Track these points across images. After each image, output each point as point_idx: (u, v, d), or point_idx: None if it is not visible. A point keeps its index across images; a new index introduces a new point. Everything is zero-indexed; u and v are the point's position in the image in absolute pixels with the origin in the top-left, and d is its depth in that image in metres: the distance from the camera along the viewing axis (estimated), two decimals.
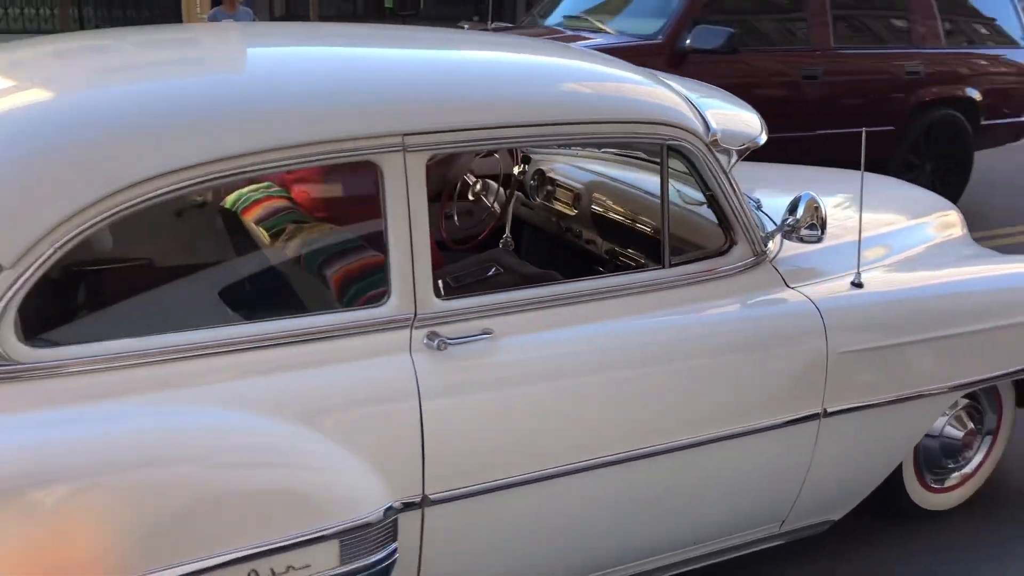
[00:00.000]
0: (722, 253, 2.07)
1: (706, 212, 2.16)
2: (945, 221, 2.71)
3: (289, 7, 14.85)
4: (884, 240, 2.41)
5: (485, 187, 2.65)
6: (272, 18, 12.92)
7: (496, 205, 2.82)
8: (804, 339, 2.08)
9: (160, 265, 2.26)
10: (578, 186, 2.74)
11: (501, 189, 2.84)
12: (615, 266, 2.47)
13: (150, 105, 1.69)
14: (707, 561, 2.20)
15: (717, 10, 4.85)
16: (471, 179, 2.80)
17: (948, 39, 5.57)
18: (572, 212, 2.74)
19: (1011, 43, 5.85)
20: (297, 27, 2.62)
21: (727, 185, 2.04)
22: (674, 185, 2.23)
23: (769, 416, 2.05)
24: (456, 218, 2.75)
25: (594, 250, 2.61)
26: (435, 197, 2.46)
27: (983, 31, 5.87)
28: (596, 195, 2.66)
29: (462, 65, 2.09)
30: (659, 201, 2.04)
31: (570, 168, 2.81)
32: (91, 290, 1.97)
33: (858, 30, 5.37)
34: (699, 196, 2.16)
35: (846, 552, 2.48)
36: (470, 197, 2.64)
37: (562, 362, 1.88)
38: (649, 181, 2.53)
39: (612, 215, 2.62)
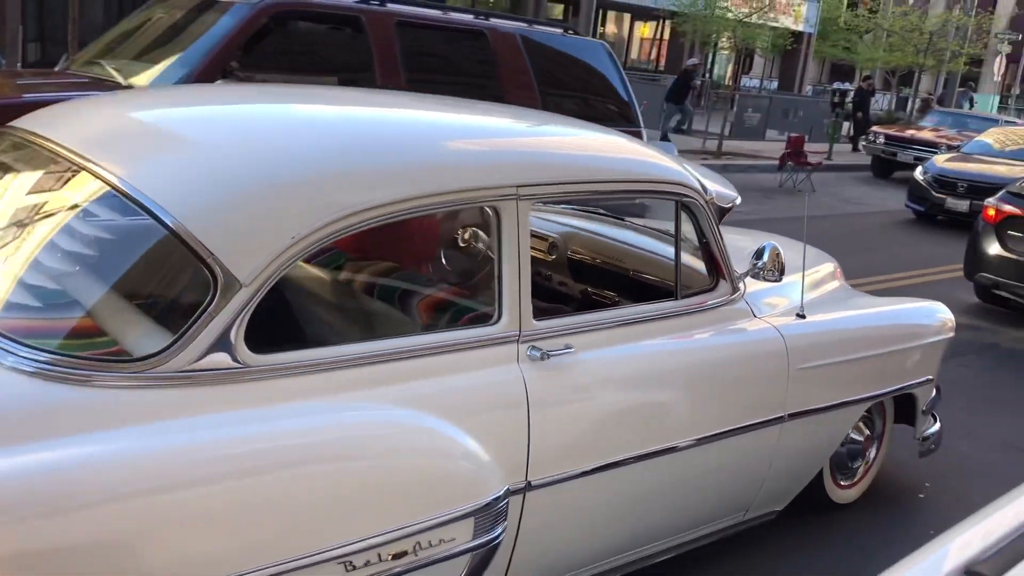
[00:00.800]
0: (710, 289, 2.72)
1: (685, 258, 2.80)
2: (830, 271, 3.61)
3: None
4: (795, 285, 3.20)
5: (474, 235, 3.10)
6: None
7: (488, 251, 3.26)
8: (772, 357, 2.77)
9: (347, 285, 2.51)
10: (553, 235, 3.29)
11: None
12: (589, 304, 3.00)
13: (351, 152, 2.09)
14: (686, 548, 2.74)
15: (256, 62, 4.19)
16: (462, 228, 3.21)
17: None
18: (549, 258, 3.27)
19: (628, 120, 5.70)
20: (414, 97, 3.08)
21: (717, 235, 2.72)
22: (650, 237, 2.89)
23: (751, 417, 2.69)
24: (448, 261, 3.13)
25: (565, 291, 3.14)
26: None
27: (606, 108, 5.81)
28: (572, 244, 3.23)
29: (555, 134, 2.70)
30: (632, 248, 2.65)
31: (540, 222, 3.34)
32: (296, 304, 2.18)
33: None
34: (667, 246, 2.83)
35: (776, 543, 3.14)
36: (460, 244, 3.05)
37: (623, 372, 2.39)
38: (613, 232, 3.16)
39: (590, 260, 3.19)
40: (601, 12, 25.19)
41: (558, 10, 24.50)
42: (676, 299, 2.62)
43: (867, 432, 3.43)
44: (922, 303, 3.49)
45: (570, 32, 6.09)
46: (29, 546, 1.49)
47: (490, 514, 2.02)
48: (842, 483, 3.42)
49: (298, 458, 1.79)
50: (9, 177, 2.26)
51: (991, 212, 6.46)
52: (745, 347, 2.72)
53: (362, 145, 2.17)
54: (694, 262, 2.78)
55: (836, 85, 30.13)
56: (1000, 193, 6.71)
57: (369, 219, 1.96)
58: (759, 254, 2.83)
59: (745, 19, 21.77)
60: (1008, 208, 6.34)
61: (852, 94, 23.26)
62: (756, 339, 2.75)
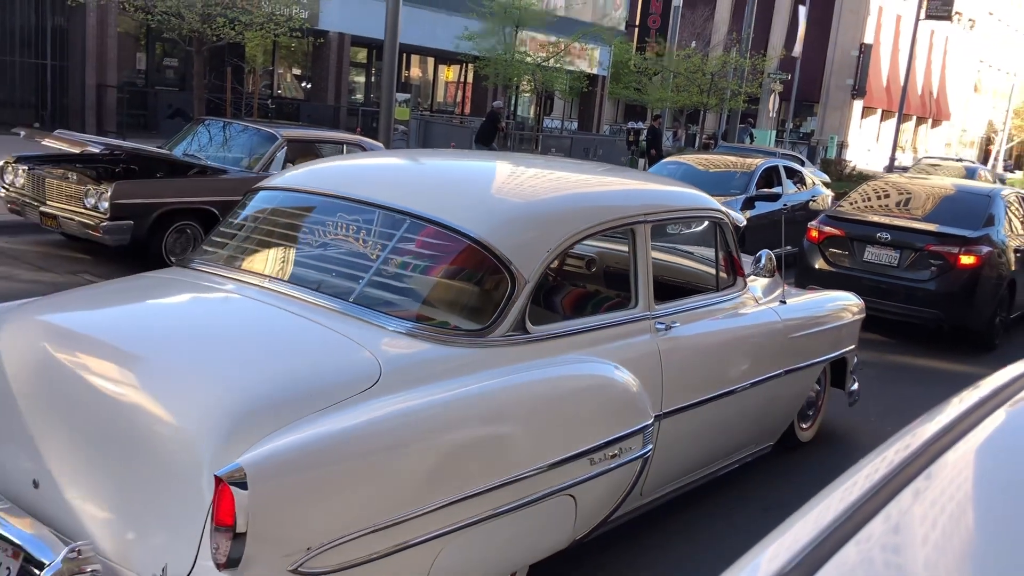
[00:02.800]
0: (732, 284, 4.31)
1: (704, 263, 4.39)
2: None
3: None
4: (758, 280, 4.84)
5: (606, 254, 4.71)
6: None
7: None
8: (776, 329, 4.40)
9: (574, 274, 3.96)
10: (589, 255, 4.76)
11: None
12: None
13: (569, 196, 3.64)
14: (723, 472, 4.29)
15: None
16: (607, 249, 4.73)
17: None
18: (588, 272, 4.72)
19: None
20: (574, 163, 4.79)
21: (736, 246, 4.32)
22: (663, 253, 4.47)
23: (771, 370, 4.30)
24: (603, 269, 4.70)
25: (604, 296, 4.64)
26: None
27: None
28: (605, 261, 4.71)
29: (651, 180, 4.39)
30: (662, 261, 4.21)
31: (580, 247, 4.82)
32: (543, 292, 3.48)
33: None
34: (680, 258, 4.45)
35: (758, 476, 4.76)
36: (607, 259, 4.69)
37: (708, 338, 3.92)
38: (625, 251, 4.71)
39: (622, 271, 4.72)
40: (406, 56, 27.03)
41: (362, 54, 26.05)
42: (716, 291, 4.17)
43: (817, 388, 5.16)
44: (843, 294, 5.31)
45: None
46: (437, 452, 2.69)
47: (649, 432, 3.41)
48: (803, 426, 5.12)
49: (560, 391, 3.15)
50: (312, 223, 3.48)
51: (814, 233, 8.67)
52: (762, 322, 4.33)
53: (573, 192, 3.70)
54: (707, 266, 4.36)
55: (630, 124, 33.94)
56: (820, 217, 8.95)
57: (580, 239, 3.37)
58: (758, 259, 4.46)
59: (543, 63, 24.38)
60: (828, 229, 8.58)
61: (645, 132, 26.62)
62: (766, 317, 4.37)
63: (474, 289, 3.27)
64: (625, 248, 3.83)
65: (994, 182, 21.63)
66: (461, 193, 3.56)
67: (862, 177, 23.15)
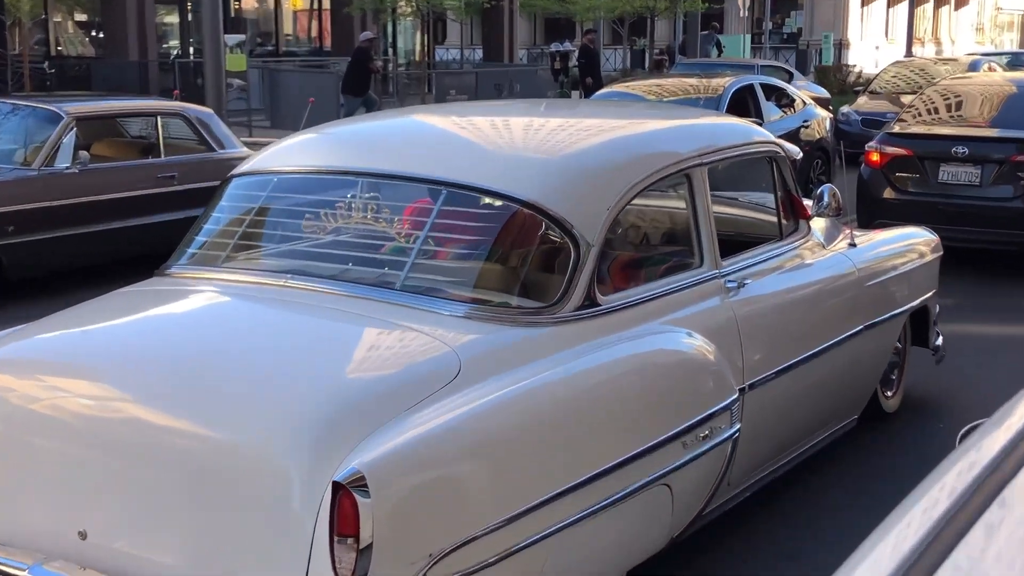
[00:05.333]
0: (795, 230, 5.16)
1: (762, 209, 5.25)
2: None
3: None
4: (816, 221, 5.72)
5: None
6: None
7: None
8: (852, 277, 5.27)
9: (641, 231, 4.85)
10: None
11: None
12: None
13: (624, 145, 4.46)
14: (804, 456, 5.14)
15: None
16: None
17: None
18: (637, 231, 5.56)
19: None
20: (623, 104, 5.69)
21: (796, 184, 5.18)
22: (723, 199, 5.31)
23: (851, 327, 5.17)
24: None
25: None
26: None
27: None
28: (654, 218, 5.54)
29: (701, 116, 5.31)
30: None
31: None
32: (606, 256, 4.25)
33: None
34: (729, 207, 5.30)
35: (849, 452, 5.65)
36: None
37: (784, 295, 4.77)
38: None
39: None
40: None
41: None
42: (781, 239, 5.02)
43: (898, 345, 6.07)
44: (915, 229, 6.25)
45: None
46: (521, 432, 3.47)
47: (736, 408, 4.21)
48: (887, 394, 6.03)
49: (646, 368, 3.97)
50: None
51: (875, 156, 9.74)
52: (836, 271, 5.20)
53: (618, 137, 4.54)
54: (765, 211, 5.22)
55: (555, 47, 34.82)
56: (879, 136, 10.00)
57: (639, 191, 4.17)
58: (820, 197, 5.33)
59: None
60: (893, 150, 9.62)
61: (576, 55, 27.53)
62: (838, 264, 5.24)
63: (533, 261, 4.05)
64: (671, 200, 4.62)
65: None
66: (496, 153, 4.41)
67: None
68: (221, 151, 10.25)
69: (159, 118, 10.00)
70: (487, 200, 4.05)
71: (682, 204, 4.56)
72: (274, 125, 20.55)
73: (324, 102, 19.21)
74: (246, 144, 11.43)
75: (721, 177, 5.32)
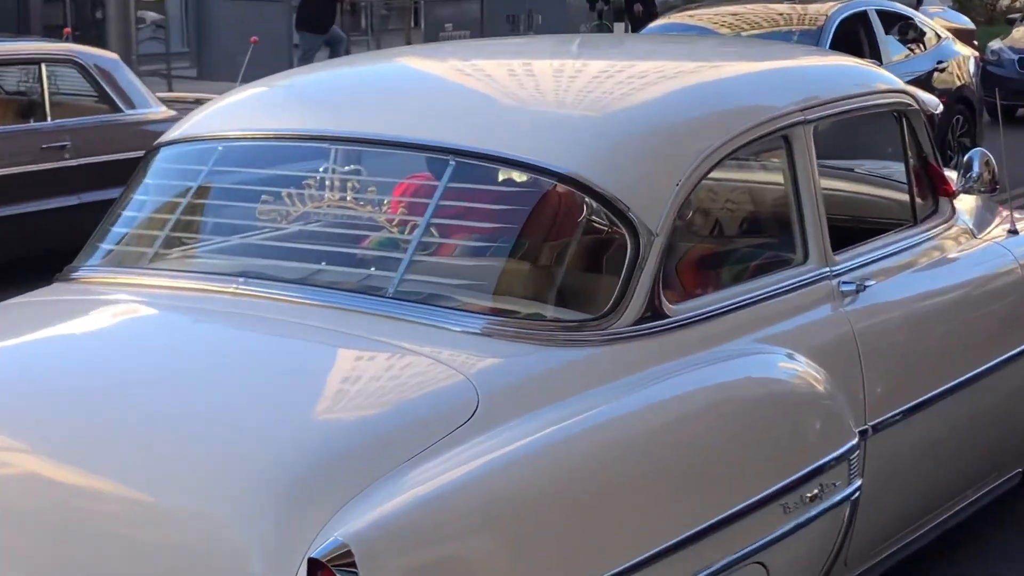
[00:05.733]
0: (933, 212, 5.20)
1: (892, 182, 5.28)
2: None
3: None
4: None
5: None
6: None
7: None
8: (1010, 274, 5.28)
9: (721, 216, 4.87)
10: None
11: None
12: None
13: (693, 98, 4.49)
14: (957, 518, 5.13)
15: None
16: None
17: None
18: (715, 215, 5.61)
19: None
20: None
21: (934, 149, 5.22)
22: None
23: (1013, 346, 5.19)
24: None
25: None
26: None
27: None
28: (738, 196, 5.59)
29: (803, 55, 5.46)
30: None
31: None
32: (678, 250, 4.28)
33: None
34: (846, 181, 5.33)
35: None
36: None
37: (919, 301, 4.82)
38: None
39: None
40: None
41: None
42: (915, 224, 5.07)
43: None
44: None
45: None
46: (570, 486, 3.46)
47: (855, 458, 4.20)
48: None
49: (728, 406, 3.98)
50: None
51: None
52: (990, 268, 5.22)
53: (688, 87, 4.60)
54: (894, 186, 5.26)
55: None
56: None
57: (718, 161, 4.21)
58: (968, 167, 5.36)
59: None
60: None
61: None
62: (994, 259, 5.27)
63: (574, 258, 4.10)
64: (763, 173, 4.66)
65: None
66: (519, 110, 4.44)
67: None
68: (130, 111, 10.41)
69: (43, 67, 10.02)
70: (510, 174, 4.08)
71: (778, 178, 4.59)
72: (203, 75, 20.61)
73: (271, 42, 19.15)
74: (165, 102, 11.52)
75: (831, 140, 5.26)
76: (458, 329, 3.75)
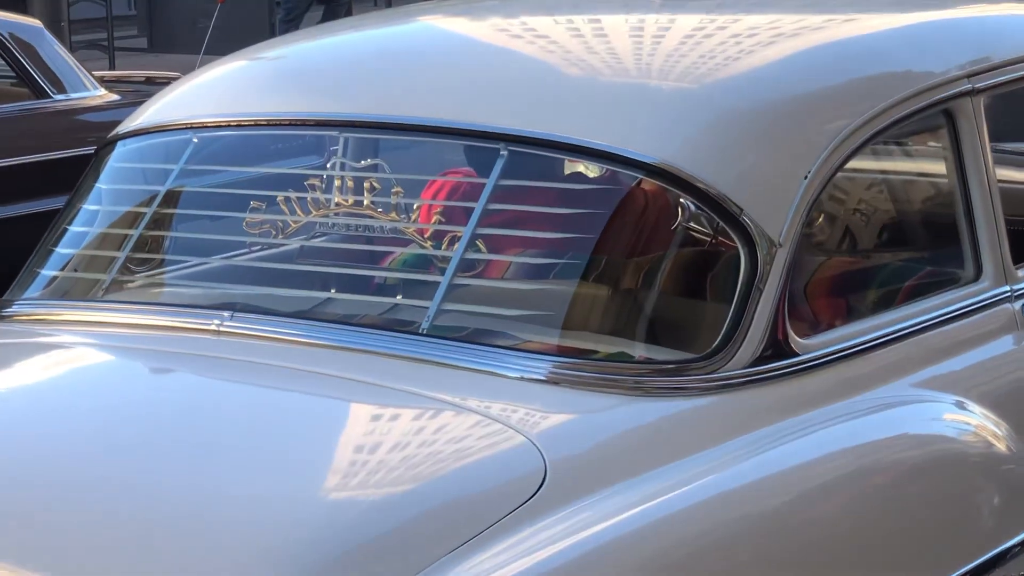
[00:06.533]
0: None
1: None
2: None
3: None
4: None
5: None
6: None
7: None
8: None
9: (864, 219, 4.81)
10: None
11: None
12: None
13: (842, 51, 4.54)
14: None
15: None
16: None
17: None
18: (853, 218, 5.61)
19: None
20: None
21: None
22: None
23: None
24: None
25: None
26: None
27: None
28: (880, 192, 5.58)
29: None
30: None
31: None
32: (809, 265, 4.29)
33: None
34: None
35: None
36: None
37: None
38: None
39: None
40: None
41: None
42: None
43: None
44: None
45: None
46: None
47: None
48: None
49: (881, 475, 3.96)
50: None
51: None
52: None
53: (816, 47, 4.60)
54: None
55: None
56: None
57: (860, 144, 4.21)
58: None
59: None
60: None
61: None
62: None
63: (669, 278, 4.09)
64: (919, 161, 4.68)
65: None
66: (588, 83, 4.39)
67: None
68: (60, 96, 10.40)
69: None
70: (580, 167, 4.12)
71: (938, 167, 4.60)
72: (155, 46, 20.63)
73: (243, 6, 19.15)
74: (106, 82, 11.53)
75: (1009, 117, 5.27)
76: (515, 375, 3.74)
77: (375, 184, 4.17)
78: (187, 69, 7.54)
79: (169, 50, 18.59)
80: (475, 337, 3.86)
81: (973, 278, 4.44)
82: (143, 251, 4.29)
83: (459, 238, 3.96)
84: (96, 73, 11.50)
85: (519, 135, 4.05)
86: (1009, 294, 4.46)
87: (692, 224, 4.04)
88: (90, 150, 5.06)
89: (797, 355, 3.91)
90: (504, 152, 4.03)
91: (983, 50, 4.73)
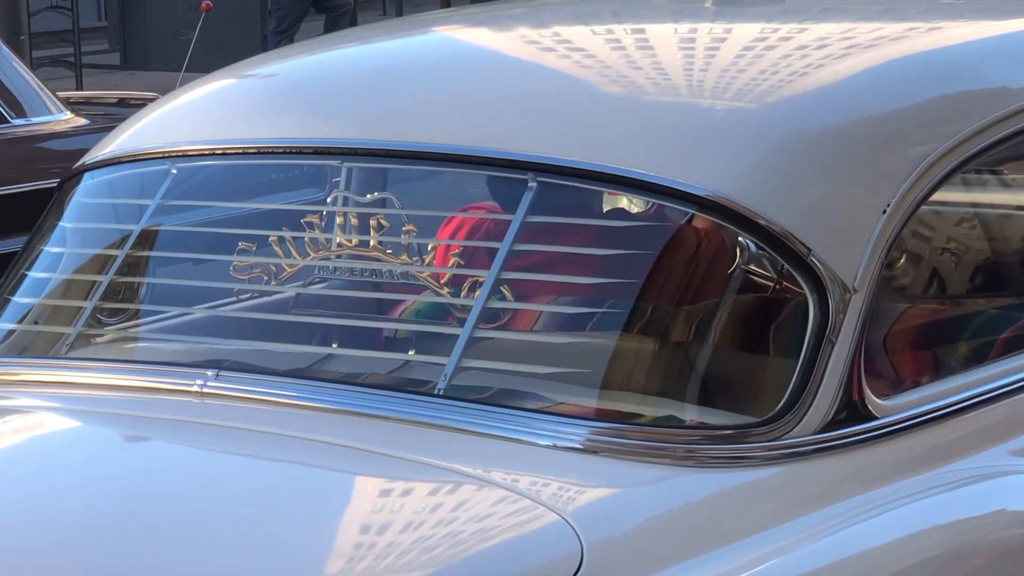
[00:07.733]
0: None
1: None
2: None
3: None
4: None
5: None
6: None
7: None
8: None
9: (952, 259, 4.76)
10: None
11: None
12: None
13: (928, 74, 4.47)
14: None
15: None
16: None
17: None
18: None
19: None
20: None
21: None
22: None
23: None
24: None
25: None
26: None
27: None
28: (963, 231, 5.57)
29: None
30: None
31: None
32: (892, 314, 4.27)
33: None
34: None
35: None
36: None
37: None
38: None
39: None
40: None
41: None
42: None
43: None
44: None
45: None
46: None
47: None
48: None
49: (965, 554, 3.89)
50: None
51: None
52: None
53: (907, 67, 4.52)
54: None
55: None
56: None
57: (946, 174, 4.17)
58: None
59: None
60: None
61: None
62: None
63: (727, 329, 4.05)
64: (1014, 192, 4.66)
65: None
66: (630, 104, 4.34)
67: None
68: (20, 121, 10.47)
69: None
70: (621, 201, 4.10)
71: (997, 203, 4.58)
72: (129, 62, 20.75)
73: (231, 8, 19.18)
74: (73, 104, 11.54)
75: None
76: (547, 443, 3.70)
77: (383, 221, 4.13)
78: (166, 88, 7.54)
79: (145, 67, 18.70)
80: (500, 399, 3.82)
81: None
82: (114, 300, 4.26)
83: (481, 284, 3.92)
84: (61, 94, 11.56)
85: (550, 164, 4.00)
86: None
87: (752, 266, 4.03)
88: (53, 183, 4.97)
89: (876, 418, 3.87)
90: (533, 184, 3.98)
91: None
